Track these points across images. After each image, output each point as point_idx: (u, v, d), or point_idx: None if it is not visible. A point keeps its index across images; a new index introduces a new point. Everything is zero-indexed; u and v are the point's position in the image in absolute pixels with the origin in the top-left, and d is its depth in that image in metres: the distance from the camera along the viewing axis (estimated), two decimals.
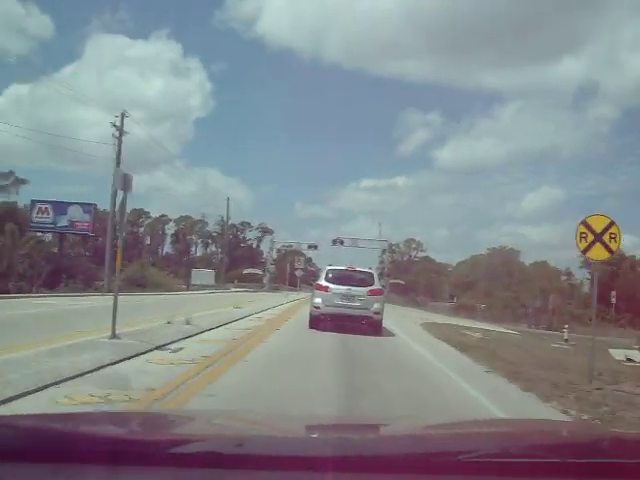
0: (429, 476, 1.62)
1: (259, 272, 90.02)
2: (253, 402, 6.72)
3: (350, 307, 16.98)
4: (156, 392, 6.69)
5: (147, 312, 18.14)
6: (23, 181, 78.15)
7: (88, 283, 42.29)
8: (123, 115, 42.71)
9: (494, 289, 71.20)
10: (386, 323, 20.53)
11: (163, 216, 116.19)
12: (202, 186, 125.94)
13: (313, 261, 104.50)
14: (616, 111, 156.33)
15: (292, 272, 78.96)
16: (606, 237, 11.12)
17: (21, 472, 1.55)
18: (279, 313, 24.33)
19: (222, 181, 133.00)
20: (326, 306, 17.07)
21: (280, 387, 7.70)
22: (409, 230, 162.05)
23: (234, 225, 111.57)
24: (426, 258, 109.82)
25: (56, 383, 6.63)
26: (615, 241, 11.04)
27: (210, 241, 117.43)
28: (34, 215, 48.57)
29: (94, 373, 7.48)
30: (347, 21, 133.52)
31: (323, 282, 17.67)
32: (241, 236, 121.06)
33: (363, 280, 17.70)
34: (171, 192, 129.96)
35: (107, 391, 6.46)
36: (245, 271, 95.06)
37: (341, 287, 17.20)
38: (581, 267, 72.88)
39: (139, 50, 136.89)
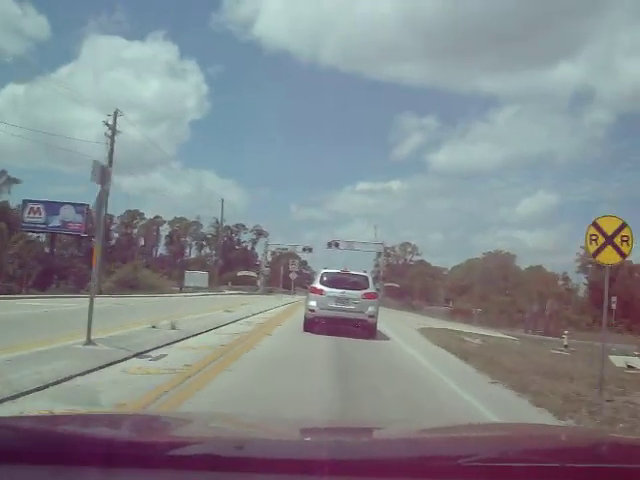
0: None
1: (253, 275, 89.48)
2: None
3: (345, 310, 16.96)
4: (126, 408, 5.92)
5: (133, 315, 17.34)
6: (15, 180, 77.37)
7: (80, 284, 41.46)
8: (116, 114, 42.26)
9: (490, 293, 70.96)
10: (382, 328, 20.08)
11: (157, 217, 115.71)
12: (197, 188, 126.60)
13: (308, 264, 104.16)
14: (612, 116, 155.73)
15: (286, 275, 78.43)
16: (617, 240, 10.46)
17: (19, 474, 1.54)
18: (271, 317, 23.49)
19: (218, 183, 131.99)
20: (321, 309, 17.05)
21: (266, 404, 6.94)
22: (404, 234, 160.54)
23: (229, 227, 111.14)
24: (421, 262, 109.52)
25: (12, 398, 5.86)
26: (627, 244, 10.35)
27: (204, 243, 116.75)
28: (26, 215, 47.86)
29: (59, 385, 6.69)
30: (344, 24, 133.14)
31: (318, 285, 17.64)
32: (236, 238, 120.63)
33: (358, 283, 17.71)
34: (166, 194, 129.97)
35: (70, 407, 5.72)
36: (239, 273, 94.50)
37: (336, 290, 17.14)
38: (578, 272, 72.72)
39: (135, 51, 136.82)
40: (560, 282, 76.80)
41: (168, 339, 11.70)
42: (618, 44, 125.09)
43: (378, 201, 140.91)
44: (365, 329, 17.10)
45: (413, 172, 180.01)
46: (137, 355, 9.49)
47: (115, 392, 6.65)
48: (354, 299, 17.04)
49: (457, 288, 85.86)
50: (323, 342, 14.73)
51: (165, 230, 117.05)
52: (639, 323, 50.23)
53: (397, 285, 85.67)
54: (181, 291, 60.36)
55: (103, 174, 9.33)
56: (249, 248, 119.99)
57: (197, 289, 65.10)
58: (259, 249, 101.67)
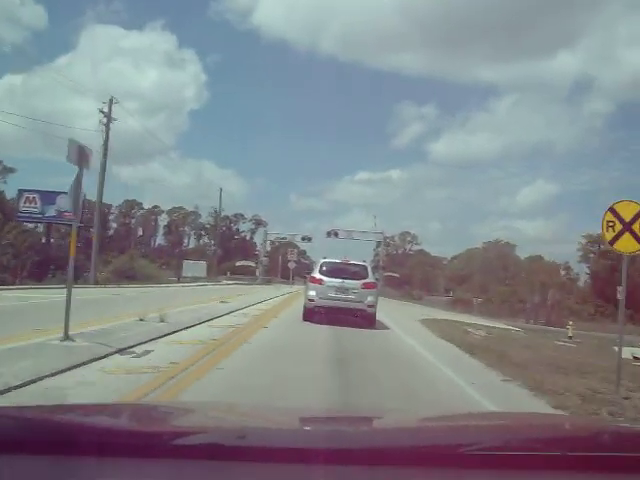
0: (430, 469, 1.61)
1: (252, 264, 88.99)
2: None
3: (344, 300, 17.06)
4: None
5: (124, 307, 16.55)
6: (11, 170, 76.84)
7: (77, 274, 40.80)
8: (111, 101, 41.51)
9: (489, 283, 70.35)
10: (383, 319, 19.85)
11: (156, 207, 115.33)
12: (196, 178, 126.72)
13: (307, 254, 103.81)
14: (611, 106, 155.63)
15: (285, 264, 77.81)
16: (636, 226, 9.84)
17: (20, 464, 1.53)
18: (268, 308, 22.65)
19: (217, 173, 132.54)
20: (320, 298, 17.15)
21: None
22: (403, 223, 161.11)
23: (227, 217, 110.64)
24: (421, 251, 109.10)
25: None
26: None
27: (203, 233, 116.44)
28: (21, 205, 47.17)
29: (23, 389, 5.90)
30: (343, 13, 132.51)
31: (317, 275, 17.74)
32: (234, 228, 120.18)
33: (357, 273, 17.76)
34: (165, 184, 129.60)
35: None
36: (238, 263, 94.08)
37: (335, 280, 17.27)
38: (580, 262, 72.04)
39: (134, 41, 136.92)
40: (562, 272, 76.07)
41: (156, 333, 10.92)
42: (617, 33, 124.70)
43: (377, 191, 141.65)
44: (364, 319, 17.15)
45: (412, 162, 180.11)
46: (119, 351, 8.71)
47: (87, 396, 5.91)
48: (353, 289, 17.12)
49: (457, 278, 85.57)
50: (321, 335, 14.07)
51: (163, 220, 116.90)
52: None
53: (397, 275, 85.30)
54: (179, 281, 59.84)
55: (81, 154, 8.53)
56: (248, 238, 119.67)
57: (195, 279, 64.63)
58: (258, 239, 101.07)
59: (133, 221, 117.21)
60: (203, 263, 79.22)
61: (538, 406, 7.52)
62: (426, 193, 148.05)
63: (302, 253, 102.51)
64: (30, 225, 51.74)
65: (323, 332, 14.87)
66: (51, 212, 46.06)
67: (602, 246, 68.02)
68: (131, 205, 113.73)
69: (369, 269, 18.77)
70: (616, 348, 21.67)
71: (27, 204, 46.81)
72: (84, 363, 7.54)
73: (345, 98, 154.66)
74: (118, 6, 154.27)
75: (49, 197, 46.16)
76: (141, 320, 12.23)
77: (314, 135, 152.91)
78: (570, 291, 64.93)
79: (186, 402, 5.26)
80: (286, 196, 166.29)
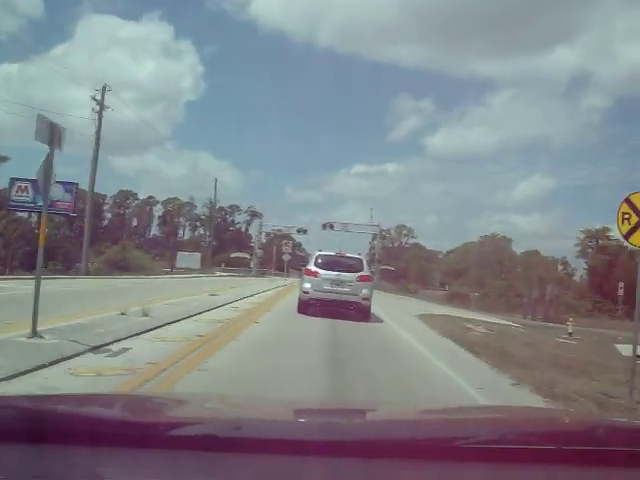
0: (425, 462, 1.61)
1: (247, 256, 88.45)
2: None
3: (339, 292, 17.16)
4: None
5: (108, 299, 15.74)
6: (4, 159, 75.65)
7: (69, 265, 40.12)
8: (104, 89, 40.85)
9: (485, 277, 69.89)
10: (380, 313, 19.59)
11: (150, 197, 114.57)
12: (192, 169, 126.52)
13: (303, 246, 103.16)
14: (608, 101, 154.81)
15: (279, 256, 77.11)
16: None
17: (17, 453, 1.52)
18: (260, 302, 21.85)
19: (213, 164, 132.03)
20: (315, 291, 17.25)
21: None
22: (399, 217, 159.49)
23: (223, 208, 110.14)
24: (416, 245, 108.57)
25: None
26: None
27: (198, 224, 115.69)
28: (13, 194, 46.10)
29: None
30: (341, 4, 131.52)
31: (312, 267, 17.87)
32: (230, 219, 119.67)
33: (352, 266, 17.86)
34: (161, 175, 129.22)
35: None
36: (232, 255, 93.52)
37: (330, 273, 17.40)
38: (577, 257, 71.52)
39: (130, 31, 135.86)
40: (559, 267, 75.53)
41: (137, 328, 10.13)
42: (615, 28, 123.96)
43: (374, 184, 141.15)
44: (359, 311, 17.26)
45: (409, 155, 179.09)
46: (93, 349, 7.92)
47: None
48: (349, 281, 17.23)
49: (452, 272, 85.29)
50: (315, 330, 13.37)
51: (158, 211, 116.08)
52: None
53: (392, 268, 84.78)
54: (172, 272, 59.23)
55: (52, 133, 7.74)
56: (243, 230, 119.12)
57: (189, 270, 64.08)
58: (253, 231, 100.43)
59: (128, 211, 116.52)
60: (197, 254, 78.63)
61: None
62: (422, 187, 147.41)
63: (297, 245, 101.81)
64: (24, 214, 50.85)
65: (316, 327, 14.20)
66: None
67: (600, 241, 67.75)
68: (126, 195, 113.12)
69: (364, 262, 18.88)
70: (618, 346, 21.53)
71: (19, 193, 45.72)
72: (51, 363, 6.75)
73: (342, 90, 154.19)
74: None
75: None
76: (123, 314, 11.42)
77: (311, 127, 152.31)
78: (568, 286, 64.37)
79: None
80: (282, 188, 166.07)
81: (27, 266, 38.87)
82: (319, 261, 18.07)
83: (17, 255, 42.29)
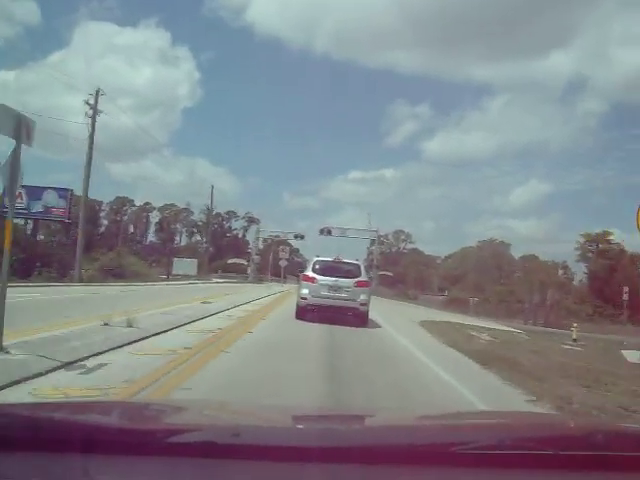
0: (423, 467, 1.62)
1: (244, 262, 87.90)
2: None
3: (337, 298, 17.17)
4: None
5: (95, 307, 14.80)
6: None
7: (64, 272, 39.37)
8: (97, 93, 40.27)
9: (484, 282, 69.10)
10: (380, 321, 19.15)
11: (147, 204, 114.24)
12: (189, 175, 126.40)
13: (300, 252, 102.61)
14: (604, 105, 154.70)
15: (276, 262, 76.46)
16: None
17: (14, 461, 1.52)
18: (255, 309, 21.03)
19: (210, 171, 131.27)
20: (313, 297, 17.25)
21: None
22: (396, 222, 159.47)
23: (219, 214, 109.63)
24: (415, 250, 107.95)
25: None
26: None
27: (195, 230, 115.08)
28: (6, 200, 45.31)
29: None
30: (337, 10, 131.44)
31: (310, 273, 17.82)
32: (227, 225, 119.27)
33: (350, 271, 17.88)
34: (158, 181, 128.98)
35: None
36: (230, 261, 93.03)
37: (328, 278, 17.38)
38: (578, 261, 70.83)
39: (127, 38, 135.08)
40: (560, 271, 74.82)
41: (119, 340, 9.33)
42: (611, 33, 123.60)
43: (371, 189, 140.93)
44: (357, 317, 17.17)
45: (406, 160, 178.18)
46: (65, 366, 7.11)
47: None
48: (346, 287, 17.23)
49: (451, 277, 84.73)
50: (311, 339, 12.66)
51: (155, 217, 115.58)
52: None
53: (391, 273, 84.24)
54: (168, 279, 58.55)
55: (19, 125, 6.97)
56: (240, 236, 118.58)
57: (186, 277, 63.38)
58: (250, 237, 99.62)
59: (124, 218, 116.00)
60: (194, 261, 77.88)
61: None
62: (420, 192, 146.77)
63: (295, 251, 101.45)
64: (20, 222, 50.12)
65: (313, 335, 13.52)
66: (38, 208, 44.34)
67: (600, 245, 67.10)
68: (122, 202, 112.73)
69: (362, 268, 18.90)
70: (623, 352, 20.91)
71: None
72: (13, 383, 5.97)
73: (339, 96, 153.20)
74: (111, 3, 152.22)
75: (36, 192, 44.55)
76: (106, 324, 10.61)
77: (308, 133, 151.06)
78: (568, 291, 63.68)
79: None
80: (279, 194, 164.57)
81: (21, 273, 38.19)
82: (317, 267, 18.00)
83: (11, 262, 41.51)
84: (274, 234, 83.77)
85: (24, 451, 1.53)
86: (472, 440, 1.71)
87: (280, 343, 12.07)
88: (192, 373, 7.68)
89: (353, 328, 15.92)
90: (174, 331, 11.82)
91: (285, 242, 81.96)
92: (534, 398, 7.99)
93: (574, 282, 74.03)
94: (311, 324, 16.13)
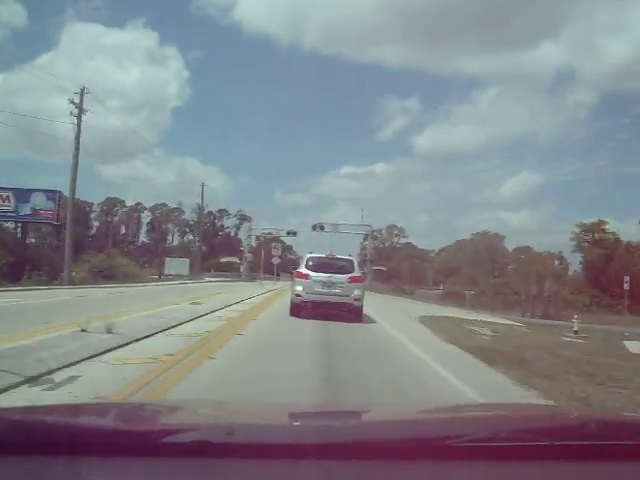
0: (419, 462, 1.61)
1: (237, 261, 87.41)
2: None
3: (331, 294, 17.25)
4: None
5: (76, 312, 13.93)
6: None
7: (53, 275, 38.57)
8: (82, 91, 39.50)
9: (478, 275, 68.56)
10: (378, 318, 18.79)
11: (138, 204, 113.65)
12: (180, 175, 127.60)
13: (293, 249, 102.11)
14: (594, 96, 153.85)
15: (269, 260, 75.96)
16: None
17: (5, 465, 1.51)
18: (247, 309, 20.18)
19: (201, 170, 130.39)
20: (307, 293, 17.33)
21: None
22: (389, 217, 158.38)
23: (211, 213, 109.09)
24: (408, 244, 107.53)
25: None
26: None
27: (187, 229, 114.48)
28: None
29: None
30: (325, 6, 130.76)
31: (303, 270, 17.91)
32: (219, 224, 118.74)
33: (343, 267, 18.00)
34: (149, 181, 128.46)
35: None
36: (222, 260, 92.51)
37: (322, 274, 17.48)
38: (573, 251, 70.36)
39: (115, 38, 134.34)
40: (556, 262, 74.30)
41: (95, 349, 8.50)
42: (599, 23, 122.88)
43: (362, 185, 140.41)
44: (351, 312, 17.25)
45: (397, 155, 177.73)
46: (30, 381, 6.27)
47: None
48: (340, 283, 17.34)
49: (445, 270, 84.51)
50: (304, 343, 11.82)
51: (147, 217, 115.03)
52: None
53: (385, 268, 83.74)
54: (160, 279, 57.89)
55: None
56: (233, 234, 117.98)
57: (178, 277, 62.76)
58: (243, 235, 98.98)
59: (116, 219, 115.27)
60: (186, 260, 77.31)
61: None
62: (411, 186, 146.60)
63: (288, 248, 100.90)
64: (10, 225, 49.24)
65: (306, 337, 12.70)
66: (26, 210, 43.81)
67: (596, 235, 66.62)
68: (113, 203, 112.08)
69: (355, 263, 19.03)
70: (625, 342, 20.52)
71: (0, 202, 44.25)
72: None
73: (329, 92, 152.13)
74: (98, 3, 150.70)
75: (24, 195, 44.12)
76: (83, 331, 9.82)
77: (298, 130, 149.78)
78: (564, 282, 63.16)
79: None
80: (271, 192, 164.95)
81: (10, 277, 37.36)
82: (310, 263, 18.08)
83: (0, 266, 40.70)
84: (266, 231, 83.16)
85: (17, 455, 1.51)
86: (467, 433, 1.70)
87: (271, 345, 11.30)
88: (174, 383, 6.90)
89: (350, 330, 15.12)
90: (158, 336, 10.99)
91: (278, 239, 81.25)
92: (551, 401, 7.27)
93: (569, 272, 73.72)
94: (304, 323, 15.47)
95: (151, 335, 10.84)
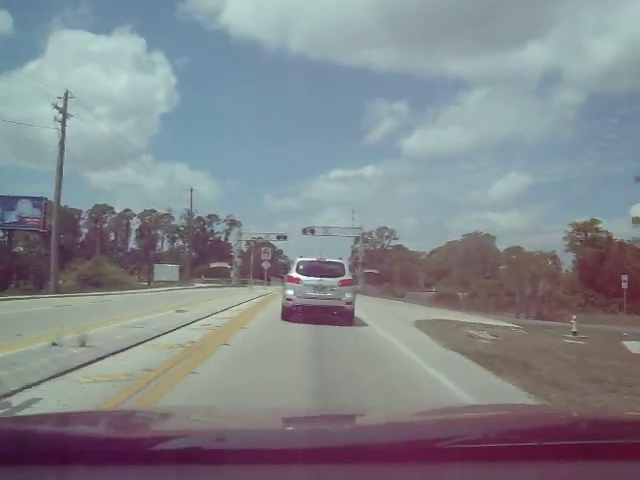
0: (410, 465, 1.61)
1: (227, 266, 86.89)
2: None
3: (322, 298, 17.32)
4: None
5: (52, 323, 13.00)
6: None
7: (40, 284, 37.74)
8: (66, 96, 38.82)
9: (469, 276, 68.19)
10: (372, 323, 18.56)
11: (127, 211, 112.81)
12: (169, 181, 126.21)
13: (284, 253, 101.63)
14: (581, 96, 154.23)
15: (259, 264, 75.42)
16: None
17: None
18: (235, 316, 19.37)
19: (190, 175, 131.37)
20: (298, 297, 17.40)
21: None
22: (378, 220, 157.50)
23: (201, 218, 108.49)
24: (399, 247, 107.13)
25: None
26: None
27: (177, 235, 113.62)
28: None
29: None
30: (311, 10, 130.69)
31: (294, 274, 17.97)
32: (209, 229, 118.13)
33: (334, 271, 18.02)
34: (138, 188, 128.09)
35: None
36: (212, 265, 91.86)
37: (312, 278, 17.52)
38: (566, 250, 70.07)
39: (102, 45, 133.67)
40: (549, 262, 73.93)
41: (64, 365, 7.68)
42: (585, 23, 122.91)
43: (352, 188, 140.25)
44: (343, 315, 17.29)
45: (386, 158, 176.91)
46: None
47: None
48: (331, 286, 17.39)
49: (436, 272, 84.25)
50: (296, 353, 11.06)
51: (136, 224, 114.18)
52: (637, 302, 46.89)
53: (377, 271, 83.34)
54: (150, 286, 57.08)
55: None
56: (223, 239, 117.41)
57: (169, 283, 61.91)
58: (233, 240, 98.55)
59: (105, 226, 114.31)
60: (175, 266, 76.64)
61: None
62: (400, 189, 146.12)
63: (279, 253, 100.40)
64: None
65: (297, 345, 11.94)
66: (12, 218, 42.95)
67: (589, 234, 66.30)
68: (102, 209, 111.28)
69: (346, 266, 19.11)
70: (625, 343, 20.09)
71: None
72: None
73: (317, 96, 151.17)
74: (84, 10, 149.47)
75: (9, 202, 43.24)
76: (54, 344, 9.01)
77: (287, 134, 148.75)
78: (558, 282, 62.72)
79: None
80: (260, 196, 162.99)
81: None
82: (300, 267, 18.09)
83: None
84: (256, 236, 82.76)
85: (8, 466, 1.48)
86: (457, 435, 1.70)
87: (260, 354, 10.57)
88: (151, 403, 6.10)
89: (345, 337, 14.35)
90: (137, 348, 10.15)
91: (268, 243, 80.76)
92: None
93: (561, 272, 73.41)
94: (296, 330, 14.82)
95: (129, 347, 10.00)
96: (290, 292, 17.61)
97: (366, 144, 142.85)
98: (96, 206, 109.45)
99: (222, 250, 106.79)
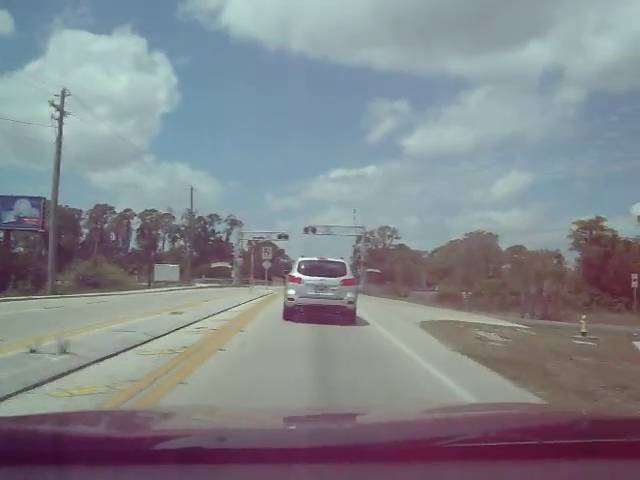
0: (411, 463, 1.60)
1: (228, 266, 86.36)
2: None
3: (324, 297, 17.36)
4: None
5: (36, 327, 12.18)
6: None
7: (39, 284, 37.15)
8: (64, 93, 38.25)
9: (472, 275, 67.60)
10: (376, 324, 18.45)
11: (127, 210, 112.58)
12: (170, 181, 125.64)
13: (285, 253, 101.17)
14: (583, 95, 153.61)
15: (260, 264, 74.89)
16: None
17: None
18: (233, 318, 18.64)
19: (191, 175, 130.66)
20: (300, 297, 17.46)
21: None
22: (380, 220, 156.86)
23: (202, 218, 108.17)
24: (401, 246, 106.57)
25: None
26: None
27: (178, 235, 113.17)
28: None
29: None
30: (312, 9, 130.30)
31: (296, 274, 17.99)
32: (210, 229, 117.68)
33: (335, 270, 18.09)
34: (139, 188, 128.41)
35: None
36: (213, 265, 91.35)
37: (314, 278, 17.56)
38: (571, 249, 69.40)
39: (103, 45, 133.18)
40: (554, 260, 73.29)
41: (38, 376, 6.92)
42: (586, 22, 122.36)
43: (353, 187, 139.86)
44: (344, 315, 17.34)
45: (387, 157, 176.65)
46: None
47: None
48: (332, 286, 17.41)
49: (439, 271, 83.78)
50: (299, 360, 10.27)
51: (137, 224, 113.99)
52: None
53: (379, 271, 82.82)
54: (149, 286, 56.47)
55: None
56: (224, 239, 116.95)
57: (169, 283, 61.33)
58: (234, 239, 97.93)
59: (105, 226, 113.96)
60: (176, 266, 76.01)
61: None
62: (402, 188, 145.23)
63: (280, 252, 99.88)
64: None
65: (298, 350, 11.23)
66: (10, 218, 42.45)
67: (594, 232, 65.58)
68: (102, 210, 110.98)
69: (347, 266, 19.23)
70: (635, 343, 19.66)
71: None
72: None
73: (318, 96, 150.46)
74: (85, 10, 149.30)
75: (7, 202, 42.77)
76: (32, 352, 8.24)
77: (288, 134, 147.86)
78: (563, 281, 62.04)
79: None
80: (262, 196, 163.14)
81: None
82: (302, 267, 18.13)
83: None
84: (257, 236, 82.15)
85: (9, 466, 1.47)
86: (458, 434, 1.69)
87: (257, 362, 9.77)
88: None
89: (346, 338, 13.79)
90: (124, 355, 9.35)
91: (269, 243, 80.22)
92: None
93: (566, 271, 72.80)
94: (296, 334, 14.13)
95: (116, 354, 9.20)
96: (292, 292, 17.64)
97: (367, 144, 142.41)
98: (97, 206, 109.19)
99: (223, 250, 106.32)
